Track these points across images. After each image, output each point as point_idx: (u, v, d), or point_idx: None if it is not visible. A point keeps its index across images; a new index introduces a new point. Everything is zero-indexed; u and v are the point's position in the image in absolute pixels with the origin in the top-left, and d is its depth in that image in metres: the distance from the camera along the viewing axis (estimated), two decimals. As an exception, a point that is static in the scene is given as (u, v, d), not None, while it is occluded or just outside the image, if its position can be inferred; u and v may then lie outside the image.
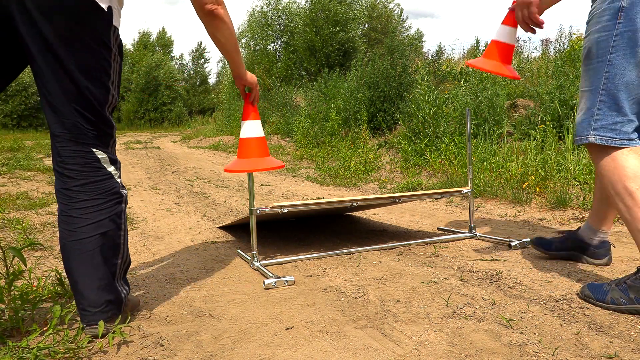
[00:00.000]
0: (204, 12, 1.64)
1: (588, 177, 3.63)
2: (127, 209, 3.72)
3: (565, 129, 4.60)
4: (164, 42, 29.40)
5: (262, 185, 4.95)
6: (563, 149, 4.27)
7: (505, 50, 2.16)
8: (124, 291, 1.54)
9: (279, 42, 15.34)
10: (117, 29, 1.46)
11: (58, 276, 1.81)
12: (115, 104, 1.53)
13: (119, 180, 1.54)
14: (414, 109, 5.73)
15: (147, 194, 4.56)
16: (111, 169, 1.51)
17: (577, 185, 3.61)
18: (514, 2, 2.20)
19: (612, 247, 2.04)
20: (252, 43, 15.44)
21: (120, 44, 1.50)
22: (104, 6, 1.38)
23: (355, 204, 2.28)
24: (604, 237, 1.98)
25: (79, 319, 1.47)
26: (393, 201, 2.39)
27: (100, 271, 1.45)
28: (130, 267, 2.21)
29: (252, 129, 2.05)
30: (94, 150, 1.47)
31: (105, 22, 1.40)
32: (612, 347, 1.31)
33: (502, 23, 2.23)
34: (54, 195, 1.53)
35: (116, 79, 1.50)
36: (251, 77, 2.00)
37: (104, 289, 1.46)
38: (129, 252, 1.57)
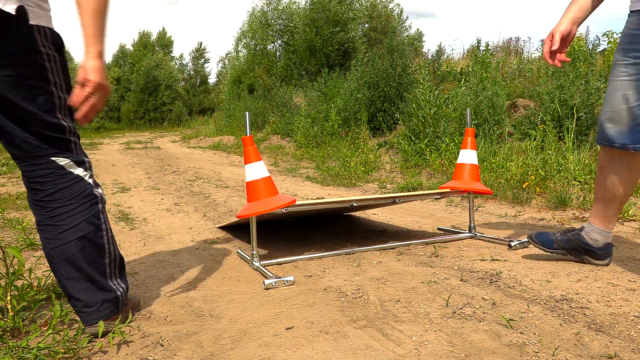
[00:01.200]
0: None
1: (588, 177, 3.63)
2: (127, 209, 3.74)
3: (565, 128, 4.60)
4: (164, 42, 29.38)
5: (262, 185, 4.94)
6: (563, 149, 4.27)
7: (472, 170, 2.57)
8: (120, 289, 1.53)
9: (279, 42, 15.34)
10: (43, 27, 1.30)
11: (58, 276, 1.81)
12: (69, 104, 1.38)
13: (90, 180, 1.48)
14: (414, 109, 5.73)
15: (147, 194, 4.56)
16: (78, 171, 1.45)
17: (577, 185, 3.61)
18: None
19: (614, 248, 2.04)
20: (252, 43, 15.44)
21: (55, 41, 1.34)
22: (11, 10, 1.23)
23: (355, 204, 2.28)
24: (609, 239, 1.97)
25: (79, 319, 1.48)
26: (393, 201, 2.39)
27: (86, 273, 1.44)
28: (131, 267, 2.21)
29: (256, 171, 2.08)
30: (53, 159, 1.40)
31: (21, 25, 1.26)
32: (612, 347, 1.31)
33: (462, 148, 2.65)
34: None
35: (60, 78, 1.37)
36: (94, 68, 1.30)
37: (95, 289, 1.46)
38: (117, 249, 1.55)
